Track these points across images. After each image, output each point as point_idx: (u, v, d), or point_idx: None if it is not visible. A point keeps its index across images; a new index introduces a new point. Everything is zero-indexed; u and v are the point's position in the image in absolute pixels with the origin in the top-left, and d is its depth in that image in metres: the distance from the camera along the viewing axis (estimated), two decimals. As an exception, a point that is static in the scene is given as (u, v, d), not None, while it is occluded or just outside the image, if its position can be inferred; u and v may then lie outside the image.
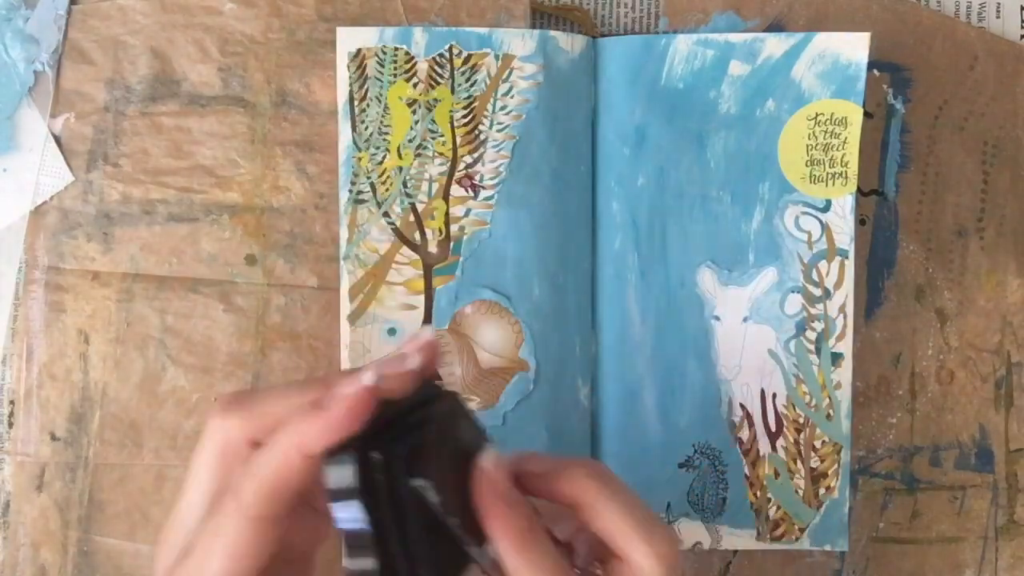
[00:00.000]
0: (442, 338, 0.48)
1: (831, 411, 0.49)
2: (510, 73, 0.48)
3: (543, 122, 0.48)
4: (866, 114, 0.50)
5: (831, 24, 0.50)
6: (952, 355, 0.52)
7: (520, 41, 0.48)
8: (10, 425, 0.46)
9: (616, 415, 0.49)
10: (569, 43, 0.48)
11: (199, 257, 0.47)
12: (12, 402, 0.46)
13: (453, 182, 0.48)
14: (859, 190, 0.50)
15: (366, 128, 0.47)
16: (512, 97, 0.48)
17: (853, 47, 0.48)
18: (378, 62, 0.47)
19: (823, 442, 0.49)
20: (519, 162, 0.48)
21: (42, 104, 0.46)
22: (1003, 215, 0.53)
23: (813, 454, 0.49)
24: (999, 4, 0.55)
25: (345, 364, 0.47)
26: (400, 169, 0.47)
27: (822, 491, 0.49)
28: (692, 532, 0.49)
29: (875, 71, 0.51)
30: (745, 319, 0.49)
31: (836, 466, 0.49)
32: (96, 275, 0.46)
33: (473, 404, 0.48)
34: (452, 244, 0.48)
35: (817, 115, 0.48)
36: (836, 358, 0.49)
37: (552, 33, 0.48)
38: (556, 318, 0.49)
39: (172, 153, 0.47)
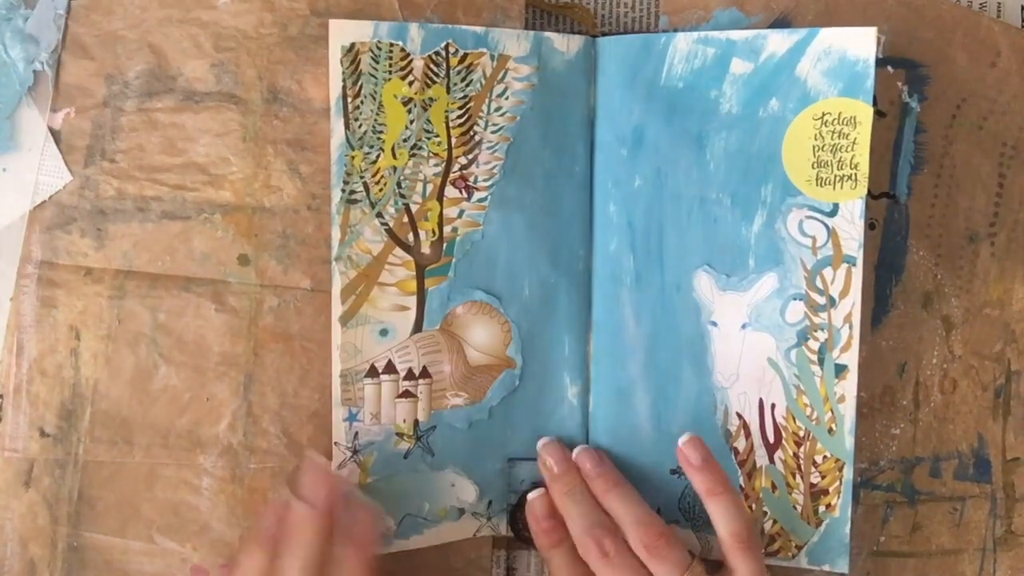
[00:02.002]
0: (432, 339, 0.48)
1: (833, 425, 0.47)
2: (505, 74, 0.47)
3: (537, 124, 0.47)
4: (879, 113, 0.48)
5: (842, 19, 0.49)
6: (956, 364, 0.51)
7: (515, 42, 0.47)
8: (-1, 420, 0.46)
9: (608, 416, 0.49)
10: (564, 44, 0.48)
11: (192, 256, 0.47)
12: (1, 397, 0.46)
13: (447, 183, 0.47)
14: (869, 193, 0.48)
15: (360, 126, 0.46)
16: (507, 98, 0.47)
17: (860, 42, 0.46)
18: (372, 57, 0.46)
19: (824, 457, 0.47)
20: (512, 164, 0.47)
21: (42, 104, 0.47)
22: (1016, 220, 0.51)
23: (814, 469, 0.48)
24: (1000, 3, 0.53)
25: (337, 365, 0.47)
26: (394, 169, 0.47)
27: (822, 508, 0.48)
28: (682, 540, 0.47)
29: (889, 68, 0.50)
30: (744, 326, 0.48)
31: (838, 483, 0.47)
32: (89, 271, 0.46)
33: (460, 399, 0.48)
34: (445, 245, 0.47)
35: (824, 115, 0.46)
36: (840, 370, 0.47)
37: (547, 34, 0.47)
38: (545, 318, 0.49)
39: (166, 150, 0.47)
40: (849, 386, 0.47)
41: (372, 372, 0.47)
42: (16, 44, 0.46)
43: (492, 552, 0.51)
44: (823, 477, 0.48)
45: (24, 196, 0.47)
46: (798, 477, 0.48)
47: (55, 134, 0.47)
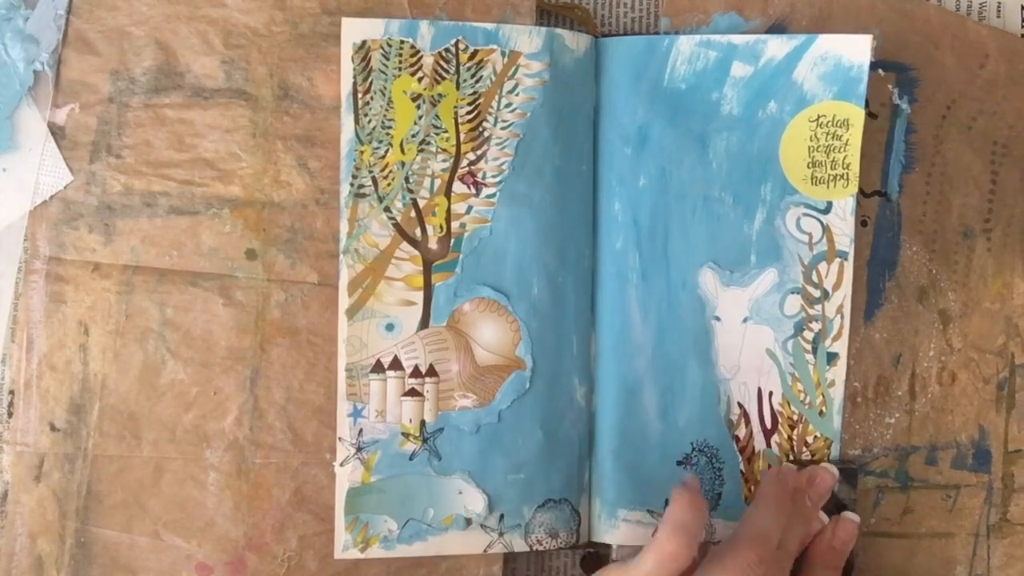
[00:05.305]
0: (439, 335, 0.55)
1: (824, 408, 0.56)
2: (516, 70, 0.54)
3: (547, 121, 0.55)
4: (871, 114, 0.57)
5: (835, 23, 0.57)
6: (954, 356, 0.59)
7: (527, 38, 0.55)
8: (10, 415, 0.53)
9: (616, 414, 0.56)
10: (575, 41, 0.55)
11: (199, 251, 0.54)
12: (12, 392, 0.52)
13: (455, 179, 0.55)
14: (861, 191, 0.57)
15: (369, 121, 0.54)
16: (517, 95, 0.55)
17: (855, 49, 0.55)
18: (383, 55, 0.54)
19: (815, 437, 0.56)
20: (522, 160, 0.55)
21: (42, 104, 0.53)
22: (1011, 216, 0.60)
23: (805, 449, 0.56)
24: (999, 3, 0.62)
25: (342, 359, 0.54)
26: (402, 164, 0.54)
27: (812, 484, 0.56)
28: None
29: (880, 71, 0.58)
30: (745, 319, 0.56)
31: (826, 460, 0.56)
32: (97, 266, 0.53)
33: (468, 401, 0.55)
34: (452, 241, 0.55)
35: (819, 117, 0.55)
36: (832, 357, 0.56)
37: (558, 31, 0.55)
38: (554, 317, 0.56)
39: (174, 145, 0.53)
40: (839, 372, 0.57)
41: (378, 367, 0.54)
42: (16, 44, 0.52)
43: (503, 571, 0.56)
44: (813, 456, 0.57)
45: (24, 196, 0.53)
46: (791, 457, 0.57)
47: (58, 130, 0.53)
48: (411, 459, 0.55)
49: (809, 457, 0.57)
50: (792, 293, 0.56)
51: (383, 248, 0.54)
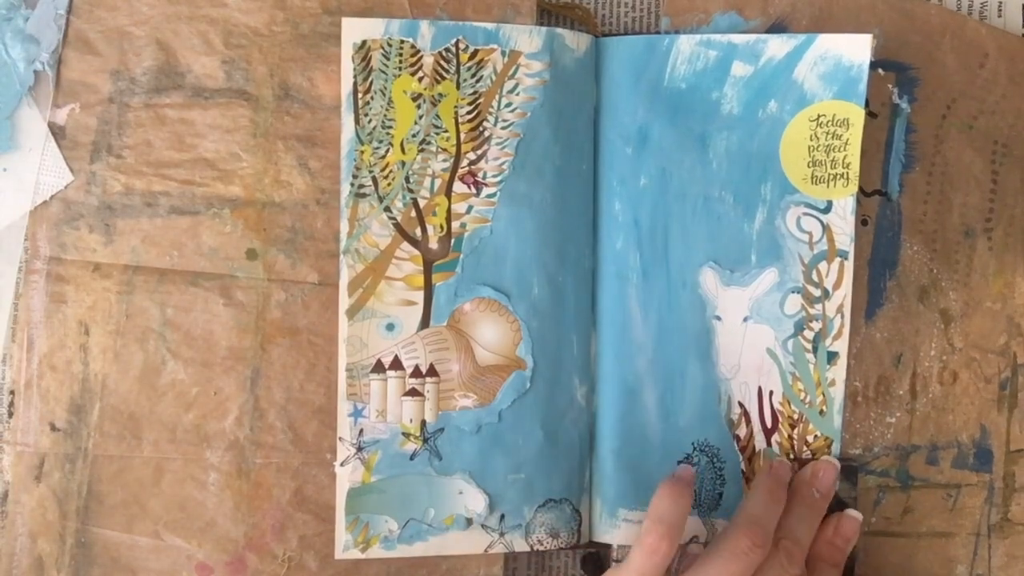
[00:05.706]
0: (439, 335, 0.56)
1: (824, 407, 0.57)
2: (516, 70, 0.55)
3: (548, 120, 0.55)
4: (870, 114, 0.58)
5: (836, 23, 0.58)
6: (956, 356, 0.60)
7: (527, 38, 0.55)
8: (10, 415, 0.53)
9: (616, 414, 0.57)
10: (575, 41, 0.56)
11: (200, 250, 0.54)
12: (12, 392, 0.53)
13: (456, 178, 0.55)
14: (861, 190, 0.58)
15: (369, 121, 0.55)
16: (518, 94, 0.55)
17: (855, 48, 0.55)
18: (383, 54, 0.55)
19: (815, 436, 0.57)
20: (522, 160, 0.55)
21: (42, 103, 0.53)
22: (1012, 215, 0.60)
23: (805, 448, 0.57)
24: (1000, 3, 0.63)
25: (343, 359, 0.55)
26: (403, 164, 0.55)
27: (813, 484, 0.57)
28: (689, 527, 0.56)
29: (880, 70, 0.58)
30: (745, 319, 0.57)
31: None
32: (97, 266, 0.54)
33: (469, 401, 0.56)
34: (453, 241, 0.55)
35: (819, 116, 0.56)
36: (832, 356, 0.57)
37: (559, 31, 0.56)
38: (554, 317, 0.56)
39: (175, 145, 0.54)
40: (839, 371, 0.57)
41: (378, 367, 0.55)
42: (16, 44, 0.53)
43: (504, 571, 0.57)
44: (814, 455, 0.57)
45: (25, 196, 0.54)
46: (792, 457, 0.57)
47: (59, 130, 0.54)
48: (411, 459, 0.55)
49: (810, 456, 0.57)
50: (792, 292, 0.57)
51: (383, 248, 0.55)
